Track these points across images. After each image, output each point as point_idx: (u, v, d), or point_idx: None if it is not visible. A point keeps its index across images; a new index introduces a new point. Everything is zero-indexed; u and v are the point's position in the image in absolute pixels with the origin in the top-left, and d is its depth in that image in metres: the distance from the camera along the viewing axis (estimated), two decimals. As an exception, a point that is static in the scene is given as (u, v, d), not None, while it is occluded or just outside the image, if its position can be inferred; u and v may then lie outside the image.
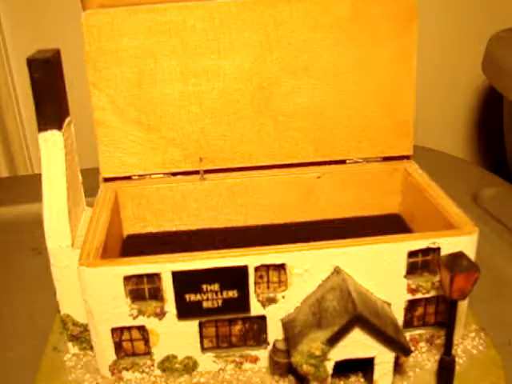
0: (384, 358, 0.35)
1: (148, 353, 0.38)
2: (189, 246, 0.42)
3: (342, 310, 0.35)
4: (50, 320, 0.44)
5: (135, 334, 0.38)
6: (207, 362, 0.39)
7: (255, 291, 0.37)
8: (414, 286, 0.38)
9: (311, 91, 0.46)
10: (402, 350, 0.35)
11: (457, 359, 0.37)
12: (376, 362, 0.35)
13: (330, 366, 0.34)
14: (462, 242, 0.37)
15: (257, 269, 0.36)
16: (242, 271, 0.36)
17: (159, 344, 0.38)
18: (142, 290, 0.36)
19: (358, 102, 0.46)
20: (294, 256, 0.36)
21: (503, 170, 0.81)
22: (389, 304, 0.38)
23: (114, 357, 0.38)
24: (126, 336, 0.38)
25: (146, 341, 0.38)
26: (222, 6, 0.44)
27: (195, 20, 0.44)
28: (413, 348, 0.38)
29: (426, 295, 0.38)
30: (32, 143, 0.87)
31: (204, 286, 0.36)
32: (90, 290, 0.36)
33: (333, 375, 0.35)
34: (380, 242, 0.37)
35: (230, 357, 0.39)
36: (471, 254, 0.37)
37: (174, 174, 0.47)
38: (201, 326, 0.38)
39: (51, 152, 0.38)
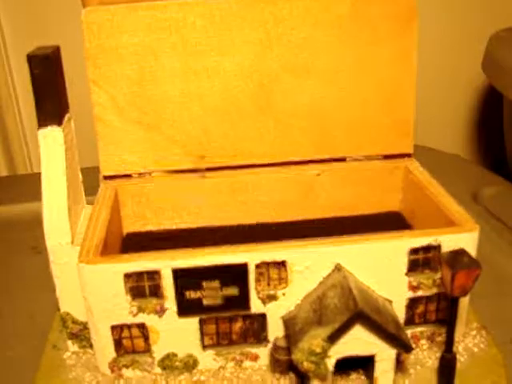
0: (385, 355, 0.35)
1: (148, 350, 0.38)
2: (189, 244, 0.41)
3: (342, 307, 0.34)
4: (49, 319, 0.44)
5: (135, 331, 0.38)
6: (207, 359, 0.38)
7: (255, 288, 0.37)
8: (415, 284, 0.38)
9: (311, 89, 0.46)
10: (403, 346, 0.35)
11: (458, 357, 0.37)
12: (377, 359, 0.35)
13: (330, 363, 0.34)
14: (463, 239, 0.37)
15: (257, 266, 0.36)
16: (243, 268, 0.36)
17: (159, 341, 0.38)
18: (142, 287, 0.36)
19: (358, 99, 0.46)
20: (294, 253, 0.36)
21: (503, 168, 0.81)
22: (390, 301, 0.38)
23: (114, 354, 0.38)
24: (125, 333, 0.38)
25: (146, 338, 0.38)
26: (223, 3, 0.44)
27: (195, 17, 0.44)
28: (414, 345, 0.38)
29: (427, 292, 0.38)
30: (31, 142, 0.86)
31: (204, 283, 0.36)
32: (90, 287, 0.36)
33: (334, 372, 0.35)
34: (381, 239, 0.37)
35: (230, 354, 0.39)
36: (472, 251, 0.37)
37: (174, 172, 0.47)
38: (201, 323, 0.37)
39: (51, 148, 0.38)
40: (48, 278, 0.39)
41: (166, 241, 0.46)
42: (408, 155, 0.48)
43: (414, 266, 0.38)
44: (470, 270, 0.33)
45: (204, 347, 0.38)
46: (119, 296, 0.36)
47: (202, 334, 0.38)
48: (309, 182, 0.48)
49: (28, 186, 0.55)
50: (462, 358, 0.39)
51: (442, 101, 0.90)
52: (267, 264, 0.36)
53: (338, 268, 0.36)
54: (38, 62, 0.36)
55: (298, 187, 0.48)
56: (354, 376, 0.38)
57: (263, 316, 0.38)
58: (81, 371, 0.39)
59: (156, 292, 0.36)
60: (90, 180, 0.45)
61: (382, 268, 0.37)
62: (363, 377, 0.37)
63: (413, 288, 0.38)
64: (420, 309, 0.39)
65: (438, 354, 0.37)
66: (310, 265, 0.36)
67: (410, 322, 0.39)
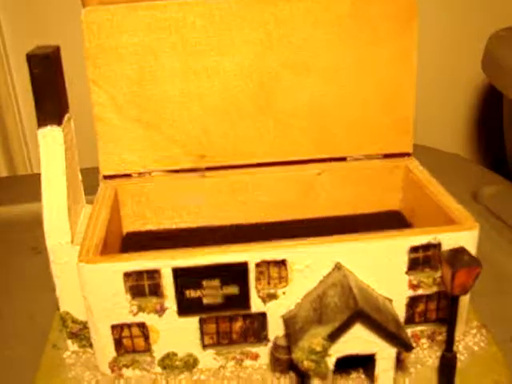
0: (385, 353, 0.35)
1: (148, 350, 0.38)
2: (189, 244, 0.41)
3: (343, 305, 0.34)
4: (49, 319, 0.44)
5: (135, 330, 0.38)
6: (208, 358, 0.38)
7: (256, 287, 0.37)
8: (415, 282, 0.38)
9: (312, 89, 0.46)
10: (403, 345, 0.35)
11: (458, 356, 0.37)
12: (377, 357, 0.35)
13: (331, 361, 0.34)
14: (463, 237, 0.37)
15: (257, 265, 0.36)
16: (243, 267, 0.36)
17: (159, 341, 0.38)
18: (142, 286, 0.36)
19: (358, 99, 0.46)
20: (294, 252, 0.36)
21: (503, 168, 0.81)
22: (390, 300, 0.38)
23: (114, 354, 0.38)
24: (125, 333, 0.38)
25: (146, 338, 0.38)
26: (222, 3, 0.44)
27: (195, 17, 0.44)
28: (414, 344, 0.38)
29: (428, 291, 0.38)
30: (31, 143, 0.86)
31: (204, 282, 0.36)
32: (90, 287, 0.36)
33: (334, 371, 0.35)
34: (381, 237, 0.37)
35: (230, 354, 0.38)
36: (472, 250, 0.37)
37: (174, 172, 0.47)
38: (201, 322, 0.37)
39: (51, 148, 0.38)
40: (48, 278, 0.39)
41: (166, 240, 0.46)
42: (408, 154, 0.48)
43: (414, 265, 0.38)
44: (470, 269, 0.33)
45: (204, 346, 0.38)
46: (119, 295, 0.36)
47: (202, 333, 0.38)
48: (309, 181, 0.48)
49: (28, 186, 0.55)
50: (462, 357, 0.39)
51: (442, 100, 0.90)
52: (267, 263, 0.36)
53: (338, 267, 0.36)
54: (37, 61, 0.36)
55: (298, 187, 0.48)
56: (354, 375, 0.37)
57: (263, 315, 0.38)
58: (80, 370, 0.39)
59: (156, 291, 0.36)
60: (89, 180, 0.45)
61: (382, 267, 0.37)
62: (363, 376, 0.37)
63: (413, 287, 0.38)
64: (420, 307, 0.39)
65: (439, 353, 0.37)
66: (310, 264, 0.36)
67: (410, 320, 0.39)
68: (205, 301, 0.37)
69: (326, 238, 0.37)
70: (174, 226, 0.48)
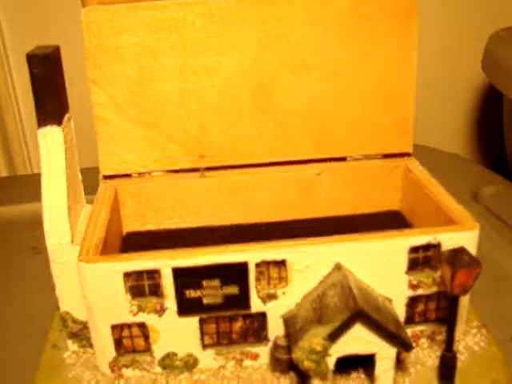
0: (385, 353, 0.35)
1: (148, 350, 0.38)
2: (189, 244, 0.41)
3: (342, 305, 0.34)
4: (49, 319, 0.44)
5: (135, 330, 0.38)
6: (208, 359, 0.38)
7: (256, 287, 0.37)
8: (415, 282, 0.38)
9: (311, 88, 0.46)
10: (403, 345, 0.35)
11: (458, 356, 0.37)
12: (377, 357, 0.35)
13: (331, 361, 0.34)
14: (463, 237, 0.37)
15: (257, 265, 0.36)
16: (243, 267, 0.36)
17: (159, 341, 0.38)
18: (142, 286, 0.36)
19: (358, 98, 0.46)
20: (294, 252, 0.36)
21: (503, 168, 0.81)
22: (390, 300, 0.38)
23: (114, 354, 0.38)
24: (125, 333, 0.38)
25: (146, 338, 0.38)
26: (222, 3, 0.44)
27: (195, 17, 0.44)
28: (414, 344, 0.38)
29: (427, 291, 0.38)
30: (31, 143, 0.86)
31: (204, 282, 0.36)
32: (90, 287, 0.36)
33: (334, 371, 0.35)
34: (381, 237, 0.37)
35: (230, 353, 0.38)
36: (472, 250, 0.37)
37: (174, 172, 0.47)
38: (201, 322, 0.37)
39: (51, 148, 0.38)
40: (48, 278, 0.39)
41: (166, 240, 0.46)
42: (408, 154, 0.48)
43: (413, 265, 0.37)
44: (470, 269, 0.33)
45: (204, 346, 0.38)
46: (119, 295, 0.36)
47: (202, 333, 0.38)
48: (308, 181, 0.48)
49: (28, 186, 0.55)
50: (462, 357, 0.39)
51: (442, 100, 0.90)
52: (267, 263, 0.36)
53: (338, 267, 0.36)
54: (37, 61, 0.36)
55: (297, 187, 0.48)
56: (354, 375, 0.37)
57: (263, 315, 0.38)
58: (80, 370, 0.39)
59: (156, 291, 0.36)
60: (89, 180, 0.45)
61: (381, 267, 0.37)
62: (363, 376, 0.37)
63: (413, 287, 0.38)
64: (420, 307, 0.39)
65: (439, 353, 0.37)
66: (310, 264, 0.36)
67: (410, 320, 0.39)
68: (205, 301, 0.37)
69: (325, 238, 0.37)
70: (173, 226, 0.48)
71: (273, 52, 0.45)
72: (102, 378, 0.38)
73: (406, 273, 0.38)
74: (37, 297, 0.49)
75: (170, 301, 0.36)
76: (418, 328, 0.40)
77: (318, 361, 0.34)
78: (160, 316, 0.37)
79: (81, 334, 0.40)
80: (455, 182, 0.45)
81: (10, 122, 0.83)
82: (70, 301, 0.39)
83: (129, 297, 0.36)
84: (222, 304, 0.37)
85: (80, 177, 0.43)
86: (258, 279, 0.37)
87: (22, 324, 0.47)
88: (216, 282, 0.36)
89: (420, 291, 0.38)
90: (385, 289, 0.37)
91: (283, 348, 0.37)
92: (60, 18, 0.76)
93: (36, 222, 0.40)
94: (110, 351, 0.38)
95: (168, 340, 0.38)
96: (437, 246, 0.37)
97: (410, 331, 0.39)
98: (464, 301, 0.39)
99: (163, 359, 0.38)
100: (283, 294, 0.37)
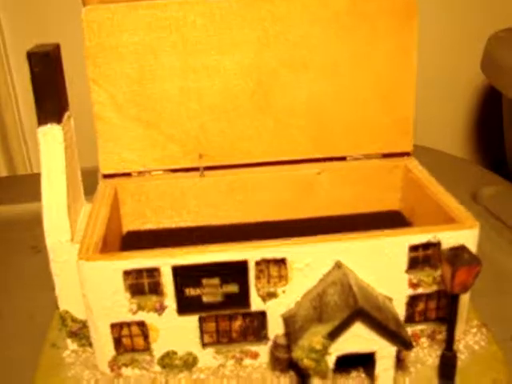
0: (385, 352, 0.35)
1: (148, 348, 0.38)
2: (188, 243, 0.41)
3: (342, 304, 0.34)
4: (49, 318, 0.44)
5: (135, 329, 0.38)
6: (207, 357, 0.38)
7: (255, 285, 0.37)
8: (415, 281, 0.38)
9: (310, 86, 0.46)
10: (403, 344, 0.35)
11: (458, 355, 0.37)
12: (377, 356, 0.35)
13: (330, 360, 0.34)
14: (463, 235, 0.37)
15: (257, 263, 0.36)
16: (243, 265, 0.36)
17: (159, 340, 0.38)
18: (142, 284, 0.36)
19: (357, 97, 0.46)
20: (294, 250, 0.36)
21: (502, 168, 0.81)
22: (390, 299, 0.38)
23: (114, 353, 0.38)
24: (125, 332, 0.38)
25: (146, 336, 0.38)
26: (223, 2, 0.44)
27: (195, 16, 0.44)
28: (414, 343, 0.38)
29: (428, 290, 0.38)
30: (31, 143, 0.86)
31: (204, 281, 0.36)
32: (90, 285, 0.36)
33: (334, 370, 0.35)
34: (381, 235, 0.37)
35: (230, 352, 0.38)
36: (472, 248, 0.36)
37: (174, 171, 0.47)
38: (201, 321, 0.37)
39: (51, 146, 0.38)
40: (47, 277, 0.39)
41: (166, 239, 0.46)
42: (407, 154, 0.48)
43: (413, 264, 0.37)
44: (470, 267, 0.33)
45: (204, 345, 0.38)
46: (119, 293, 0.36)
47: (202, 331, 0.38)
48: (308, 181, 0.48)
49: (27, 186, 0.55)
50: (462, 356, 0.39)
51: (442, 101, 0.90)
52: (267, 261, 0.36)
53: (338, 265, 0.36)
54: (37, 59, 0.36)
55: (297, 186, 0.48)
56: (354, 374, 0.37)
57: (263, 314, 0.38)
58: (80, 369, 0.39)
59: (156, 289, 0.36)
60: (89, 179, 0.45)
61: (382, 265, 0.37)
62: (363, 375, 0.37)
63: (413, 285, 0.38)
64: (420, 306, 0.39)
65: (439, 352, 0.37)
66: (310, 262, 0.36)
67: (410, 319, 0.39)
68: (204, 299, 0.36)
69: (325, 236, 0.37)
70: (173, 225, 0.48)
71: (271, 51, 0.45)
72: (102, 377, 0.38)
73: (406, 271, 0.37)
74: (36, 296, 0.49)
75: (170, 299, 0.36)
76: (419, 327, 0.39)
77: (318, 359, 0.33)
78: (159, 314, 0.37)
79: (80, 332, 0.40)
80: (454, 182, 0.45)
81: (9, 122, 0.83)
82: (69, 300, 0.39)
83: (128, 295, 0.36)
84: (222, 302, 0.37)
85: (80, 175, 0.43)
86: (257, 277, 0.37)
87: (21, 323, 0.47)
88: (216, 281, 0.36)
89: (420, 290, 0.38)
90: (385, 287, 0.37)
91: (283, 347, 0.37)
92: (60, 17, 0.76)
93: (36, 222, 0.40)
94: (110, 350, 0.38)
95: (167, 339, 0.38)
96: (437, 245, 0.37)
97: (410, 330, 0.39)
98: (464, 300, 0.39)
99: (163, 358, 0.38)
100: (283, 292, 0.37)
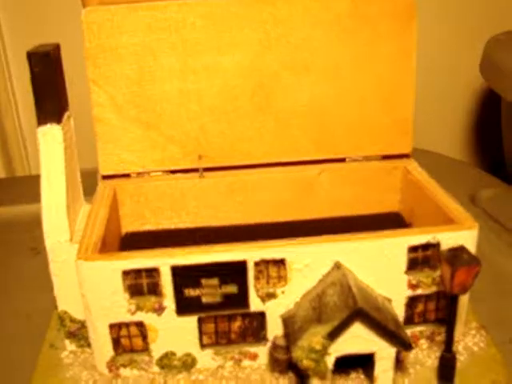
0: (385, 353, 0.35)
1: (146, 349, 0.38)
2: (188, 244, 0.41)
3: (342, 304, 0.34)
4: (47, 319, 0.44)
5: (133, 330, 0.38)
6: (206, 358, 0.38)
7: (255, 286, 0.37)
8: (414, 282, 0.38)
9: (311, 89, 0.46)
10: (402, 344, 0.34)
11: (457, 356, 0.37)
12: (377, 357, 0.35)
13: (330, 360, 0.34)
14: (463, 236, 0.37)
15: (256, 264, 0.36)
16: (242, 266, 0.36)
17: (158, 340, 0.37)
18: (141, 284, 0.36)
19: (357, 99, 0.47)
20: (293, 251, 0.36)
21: (501, 171, 0.81)
22: (389, 300, 0.38)
23: (112, 353, 0.38)
24: (124, 332, 0.38)
25: (145, 337, 0.38)
26: (222, 4, 0.44)
27: (195, 17, 0.44)
28: (413, 345, 0.38)
29: (427, 291, 0.38)
30: (30, 144, 0.86)
31: (203, 281, 0.36)
32: (88, 285, 0.36)
33: (333, 371, 0.35)
34: (380, 236, 0.37)
35: (229, 353, 0.38)
36: (472, 249, 0.37)
37: (173, 172, 0.47)
38: (200, 321, 0.37)
39: (50, 146, 0.38)
40: (46, 278, 0.39)
41: (165, 240, 0.46)
42: (406, 155, 0.48)
43: (413, 265, 0.37)
44: (469, 267, 0.33)
45: (202, 346, 0.38)
46: (117, 293, 0.36)
47: (201, 332, 0.38)
48: (308, 182, 0.48)
49: (26, 187, 0.55)
50: (461, 357, 0.39)
51: (440, 103, 0.90)
52: (266, 262, 0.36)
53: (338, 266, 0.36)
54: (38, 59, 0.36)
55: (297, 187, 0.48)
56: (353, 375, 0.37)
57: (262, 314, 0.38)
58: (78, 370, 0.39)
59: (154, 290, 0.36)
60: (89, 181, 0.45)
61: (381, 266, 0.37)
62: (363, 376, 0.37)
63: (412, 286, 0.38)
64: (419, 308, 0.39)
65: (438, 354, 0.37)
66: (309, 263, 0.36)
67: (409, 321, 0.39)
68: (203, 300, 0.36)
69: (325, 237, 0.37)
70: (172, 226, 0.48)
71: (273, 53, 0.45)
72: (100, 377, 0.38)
73: (406, 272, 0.37)
74: (36, 297, 0.49)
75: (169, 300, 0.36)
76: (418, 329, 0.39)
77: (318, 360, 0.33)
78: (158, 315, 0.37)
79: (78, 333, 0.40)
80: (453, 184, 0.45)
81: (8, 124, 0.83)
82: (68, 300, 0.39)
83: (127, 295, 0.36)
84: (221, 303, 0.37)
85: (79, 175, 0.43)
86: (257, 278, 0.37)
87: (20, 324, 0.46)
88: (215, 281, 0.36)
89: (419, 291, 0.38)
90: (384, 288, 0.37)
91: (282, 348, 0.37)
92: (60, 19, 0.76)
93: (35, 223, 0.40)
94: (108, 351, 0.38)
95: (166, 339, 0.37)
96: (436, 246, 0.37)
97: (409, 332, 0.38)
98: (463, 301, 0.39)
99: (161, 359, 0.38)
100: (282, 293, 0.37)
